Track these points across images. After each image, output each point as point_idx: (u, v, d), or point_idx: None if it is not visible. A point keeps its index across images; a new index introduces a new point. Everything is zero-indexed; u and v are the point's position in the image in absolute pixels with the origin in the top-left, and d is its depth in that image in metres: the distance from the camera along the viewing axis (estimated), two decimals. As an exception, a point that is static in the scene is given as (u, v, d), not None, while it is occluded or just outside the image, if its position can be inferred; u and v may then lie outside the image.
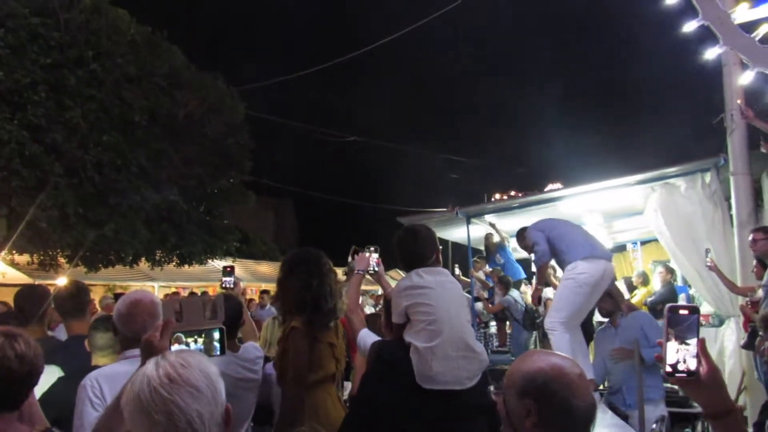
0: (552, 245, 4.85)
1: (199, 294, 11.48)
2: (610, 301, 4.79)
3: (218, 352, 1.83)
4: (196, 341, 1.81)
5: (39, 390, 2.53)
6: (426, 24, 13.00)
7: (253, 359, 3.61)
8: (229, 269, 4.48)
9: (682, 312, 1.36)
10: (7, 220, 9.14)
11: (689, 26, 5.27)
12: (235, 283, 4.49)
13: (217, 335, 1.83)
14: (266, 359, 4.02)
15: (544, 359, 1.55)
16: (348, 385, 4.69)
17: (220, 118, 13.07)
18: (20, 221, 9.17)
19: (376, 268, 3.54)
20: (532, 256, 5.18)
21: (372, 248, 3.57)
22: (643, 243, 10.54)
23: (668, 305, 1.38)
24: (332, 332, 3.10)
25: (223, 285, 4.39)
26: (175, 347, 1.78)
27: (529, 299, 8.99)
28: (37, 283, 12.53)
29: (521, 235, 5.47)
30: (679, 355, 1.34)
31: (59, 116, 9.56)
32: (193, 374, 1.27)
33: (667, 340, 1.35)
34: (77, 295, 3.66)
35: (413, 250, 2.75)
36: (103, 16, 10.45)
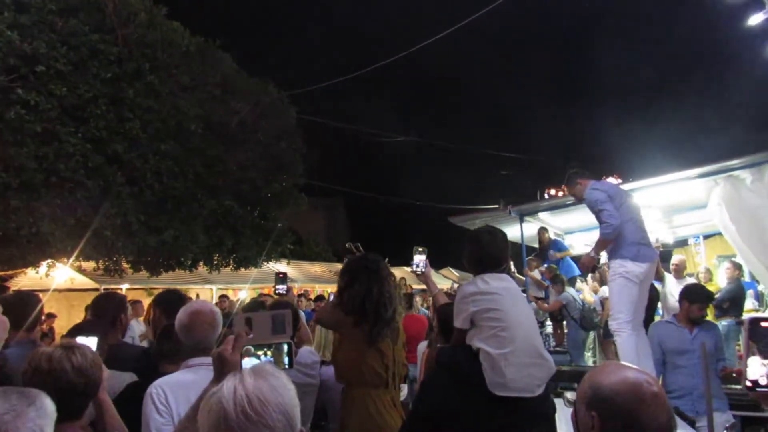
0: None
1: (256, 296, 11.73)
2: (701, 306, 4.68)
3: (287, 366, 1.86)
4: (265, 354, 1.85)
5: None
6: (474, 18, 12.89)
7: (311, 364, 3.68)
8: (281, 276, 4.55)
9: (765, 324, 1.29)
10: (74, 228, 9.53)
11: (755, 19, 5.07)
12: (288, 289, 4.57)
13: (285, 348, 1.87)
14: (322, 363, 4.09)
15: (618, 373, 1.50)
16: (404, 387, 4.70)
17: (271, 123, 13.32)
18: (86, 230, 9.56)
19: (423, 269, 3.52)
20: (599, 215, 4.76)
21: (420, 249, 3.54)
22: (706, 237, 10.14)
23: (749, 317, 1.32)
24: (387, 340, 3.12)
25: (277, 291, 4.47)
26: (245, 360, 1.83)
27: (587, 297, 8.79)
28: (102, 288, 13.10)
29: (573, 179, 5.08)
30: (764, 369, 1.28)
31: (119, 128, 9.91)
32: (270, 413, 1.26)
33: (749, 354, 1.29)
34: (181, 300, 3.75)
35: (491, 251, 2.68)
36: (158, 30, 10.76)
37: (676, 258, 8.04)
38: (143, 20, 10.51)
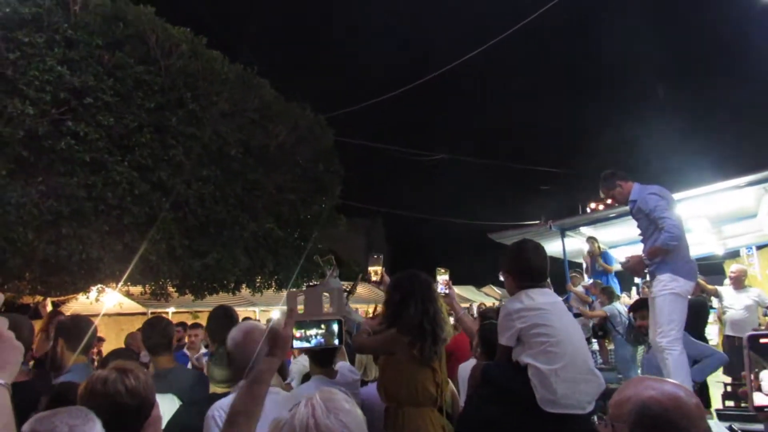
0: None
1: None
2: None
3: (337, 343, 1.90)
4: (316, 335, 1.88)
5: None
6: (510, 35, 12.92)
7: (351, 383, 3.67)
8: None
9: (765, 341, 1.23)
10: (121, 254, 9.78)
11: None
12: None
13: (335, 327, 1.89)
14: (362, 383, 4.05)
15: (657, 387, 1.44)
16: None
17: (309, 145, 13.53)
18: (133, 255, 9.80)
19: (447, 291, 3.44)
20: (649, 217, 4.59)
21: (442, 270, 3.47)
22: (759, 247, 9.80)
23: (748, 334, 1.27)
24: (437, 358, 3.10)
25: None
26: (296, 341, 1.87)
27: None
28: (150, 312, 13.39)
29: (612, 180, 4.90)
30: None
31: (164, 155, 10.20)
32: None
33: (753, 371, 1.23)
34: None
35: (537, 264, 2.67)
36: (199, 59, 11.10)
37: (734, 267, 7.58)
38: (185, 51, 10.83)
